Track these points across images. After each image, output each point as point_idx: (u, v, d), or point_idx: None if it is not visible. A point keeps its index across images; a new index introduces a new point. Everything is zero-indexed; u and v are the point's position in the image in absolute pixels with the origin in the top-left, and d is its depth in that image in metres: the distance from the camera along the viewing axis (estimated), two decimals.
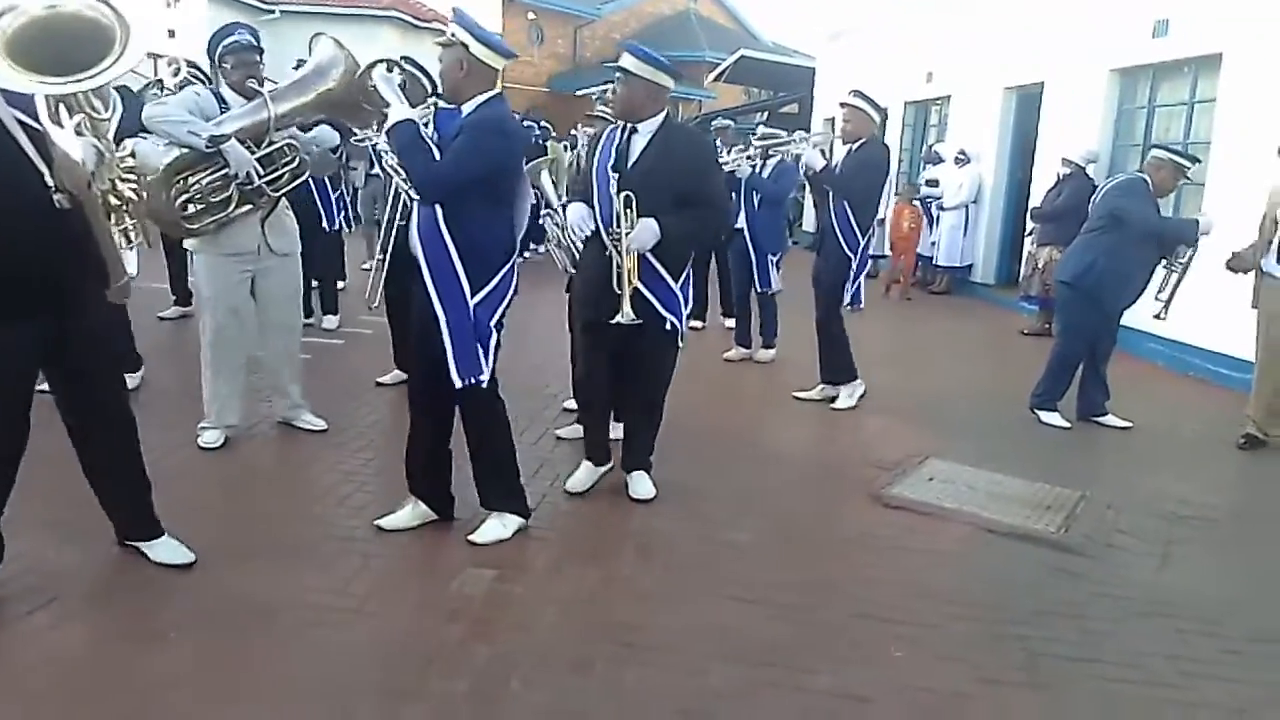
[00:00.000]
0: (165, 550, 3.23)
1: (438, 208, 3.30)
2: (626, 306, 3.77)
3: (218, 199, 4.21)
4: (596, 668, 2.75)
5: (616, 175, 3.78)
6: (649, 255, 3.79)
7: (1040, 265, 8.82)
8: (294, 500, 3.99)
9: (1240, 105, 7.46)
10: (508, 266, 3.45)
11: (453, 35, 3.34)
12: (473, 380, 3.36)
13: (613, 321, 3.78)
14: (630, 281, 3.78)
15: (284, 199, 4.51)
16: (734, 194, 7.22)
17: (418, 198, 3.40)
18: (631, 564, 3.61)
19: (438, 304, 3.31)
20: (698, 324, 8.06)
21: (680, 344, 4.01)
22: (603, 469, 4.21)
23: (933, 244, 11.77)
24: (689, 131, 4.11)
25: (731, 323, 7.68)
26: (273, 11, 19.67)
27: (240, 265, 4.42)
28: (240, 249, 4.39)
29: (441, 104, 3.73)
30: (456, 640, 2.90)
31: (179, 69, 6.62)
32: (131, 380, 5.08)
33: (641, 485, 4.13)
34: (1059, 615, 3.30)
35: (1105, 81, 9.34)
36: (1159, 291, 5.68)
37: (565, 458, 4.54)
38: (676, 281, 3.90)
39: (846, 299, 5.74)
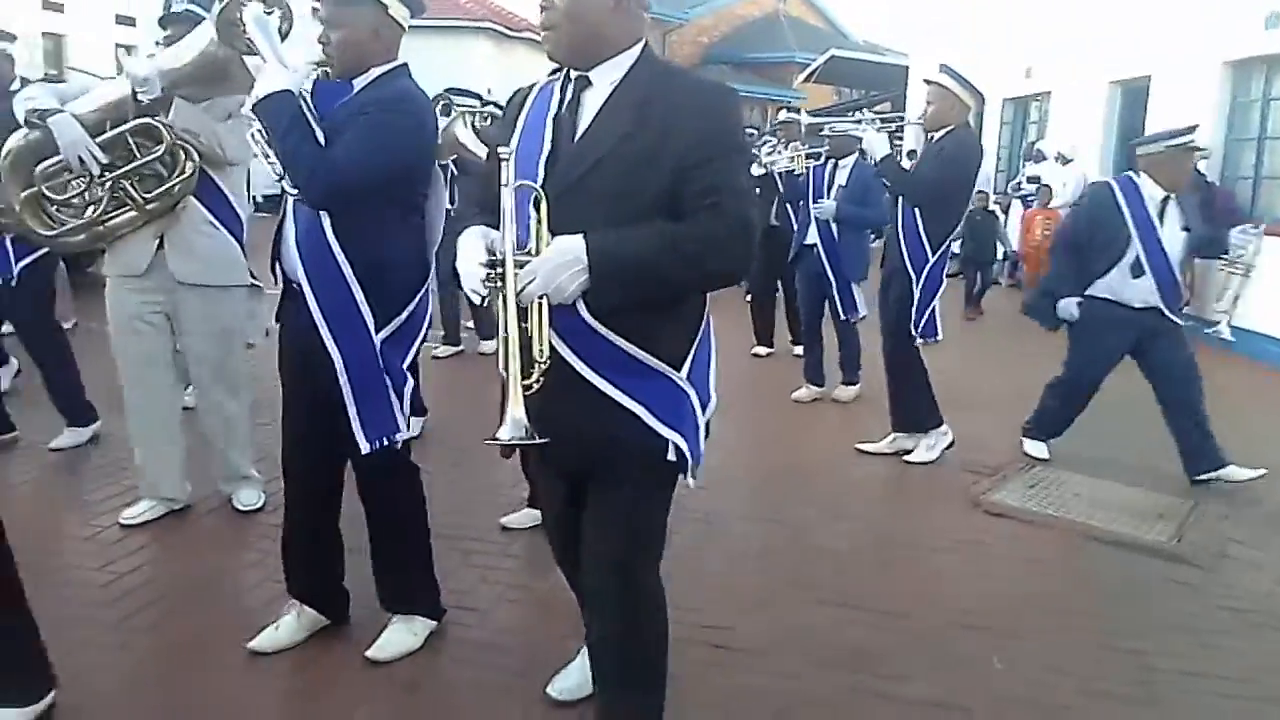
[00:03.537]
0: None
1: (324, 214, 2.48)
2: (513, 409, 1.80)
3: (67, 196, 3.29)
4: (689, 670, 2.74)
5: (543, 165, 1.95)
6: (583, 314, 1.89)
7: None
8: (192, 610, 3.03)
9: None
10: (423, 290, 2.66)
11: None
12: (385, 441, 2.58)
13: (488, 442, 1.85)
14: (530, 363, 1.85)
15: (210, 214, 3.47)
16: (789, 204, 6.50)
17: (295, 195, 2.53)
18: (723, 568, 3.57)
19: (331, 344, 2.51)
20: (762, 350, 7.26)
21: (691, 479, 2.05)
22: None
23: None
24: (683, 77, 2.04)
25: (801, 350, 6.50)
26: None
27: (139, 295, 3.47)
28: (129, 269, 3.45)
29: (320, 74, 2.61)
30: (557, 638, 2.93)
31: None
32: (81, 434, 4.46)
33: None
34: (1172, 628, 3.18)
35: (1217, 74, 8.98)
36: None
37: None
38: (680, 363, 1.99)
39: (914, 329, 4.64)
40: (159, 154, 3.26)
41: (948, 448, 4.83)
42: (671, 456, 1.99)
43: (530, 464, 2.29)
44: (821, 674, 2.80)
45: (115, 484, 3.99)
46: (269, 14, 2.61)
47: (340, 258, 2.48)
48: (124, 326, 3.51)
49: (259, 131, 2.56)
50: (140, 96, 3.18)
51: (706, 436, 2.08)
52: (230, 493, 3.81)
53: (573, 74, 1.98)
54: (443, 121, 4.48)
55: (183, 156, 3.30)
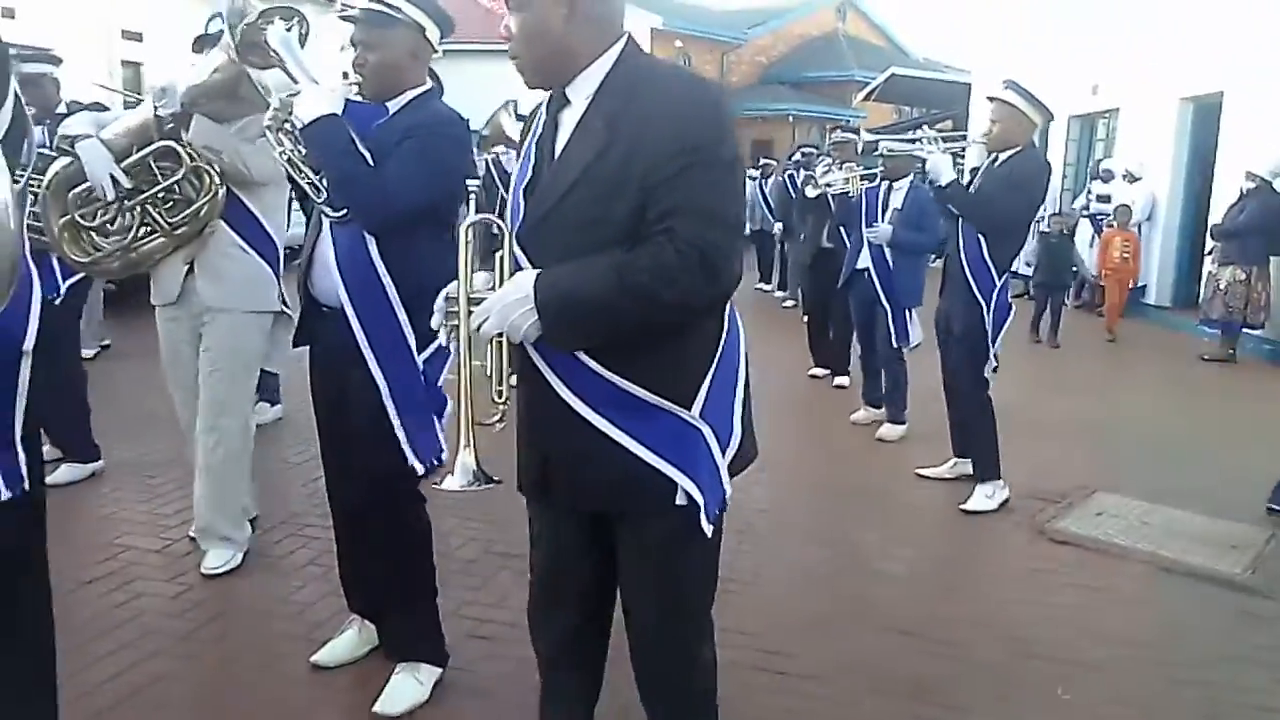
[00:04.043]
0: None
1: (367, 236, 2.46)
2: (462, 455, 1.77)
3: (100, 222, 3.26)
4: (748, 694, 2.72)
5: (522, 193, 1.88)
6: (584, 356, 1.76)
7: (1222, 286, 8.43)
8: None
9: None
10: None
11: (397, 10, 2.44)
12: (435, 461, 2.56)
13: (438, 487, 1.82)
14: (489, 404, 1.81)
15: (237, 237, 3.35)
16: (843, 226, 6.27)
17: (335, 218, 2.49)
18: (783, 591, 3.55)
19: (375, 366, 2.49)
20: (819, 371, 7.04)
21: (708, 525, 1.84)
22: None
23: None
24: (657, 79, 1.77)
25: (841, 380, 6.67)
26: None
27: (174, 323, 3.45)
28: (164, 298, 3.42)
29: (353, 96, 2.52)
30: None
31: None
32: (82, 470, 4.34)
33: None
34: (1246, 662, 3.08)
35: None
36: None
37: None
38: (690, 399, 1.79)
39: (990, 365, 4.38)
40: (182, 176, 3.22)
41: (1004, 503, 4.42)
42: (681, 500, 1.81)
43: (530, 504, 2.06)
44: (882, 702, 2.76)
45: (185, 499, 4.05)
46: (289, 30, 2.60)
47: (386, 280, 2.48)
48: (168, 353, 3.53)
49: (287, 151, 2.50)
50: (159, 110, 3.16)
51: (734, 475, 1.87)
52: (205, 548, 3.47)
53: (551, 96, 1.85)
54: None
55: (207, 178, 3.24)
